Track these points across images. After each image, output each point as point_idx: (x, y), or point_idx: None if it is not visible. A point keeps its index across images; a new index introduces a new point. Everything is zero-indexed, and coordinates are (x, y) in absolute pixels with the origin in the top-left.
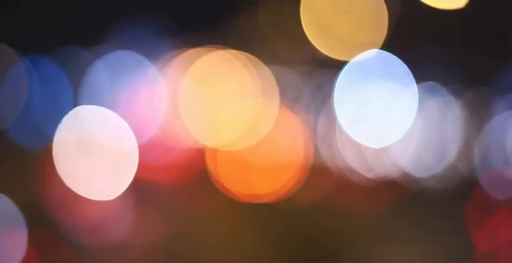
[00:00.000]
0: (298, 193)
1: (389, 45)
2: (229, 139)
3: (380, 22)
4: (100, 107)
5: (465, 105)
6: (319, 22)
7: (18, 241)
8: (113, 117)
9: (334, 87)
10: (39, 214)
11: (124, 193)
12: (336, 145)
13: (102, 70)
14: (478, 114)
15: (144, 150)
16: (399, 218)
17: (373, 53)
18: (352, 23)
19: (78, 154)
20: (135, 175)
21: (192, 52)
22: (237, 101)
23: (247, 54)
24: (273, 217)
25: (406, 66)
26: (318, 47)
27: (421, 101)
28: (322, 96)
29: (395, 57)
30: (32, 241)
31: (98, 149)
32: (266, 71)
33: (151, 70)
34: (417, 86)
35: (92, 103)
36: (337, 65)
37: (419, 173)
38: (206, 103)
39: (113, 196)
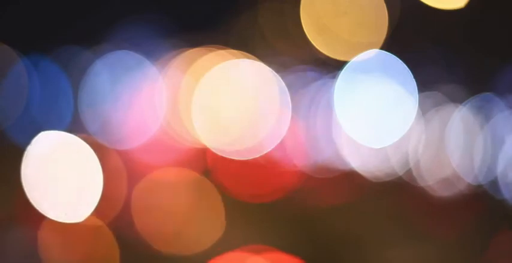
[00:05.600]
0: (298, 193)
1: (389, 45)
2: (229, 138)
3: (380, 22)
4: (64, 132)
5: (465, 105)
6: (319, 22)
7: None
8: (77, 142)
9: (334, 87)
10: (38, 214)
11: (126, 192)
12: (336, 145)
13: (102, 70)
14: (478, 114)
15: (144, 150)
16: (399, 219)
17: (373, 53)
18: (352, 23)
19: (45, 179)
20: (136, 175)
21: (192, 52)
22: (237, 101)
23: (248, 54)
24: (273, 217)
25: (406, 66)
26: (318, 47)
27: (420, 101)
28: (322, 96)
29: (395, 57)
30: (29, 240)
31: (63, 173)
32: (266, 71)
33: (151, 70)
34: (417, 86)
35: (92, 103)
36: (337, 65)
37: (419, 173)
38: (206, 103)
39: (80, 219)
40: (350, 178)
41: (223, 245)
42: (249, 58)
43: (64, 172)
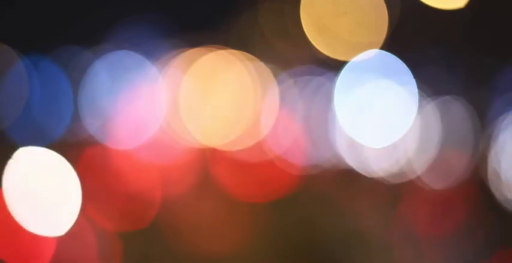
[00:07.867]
0: (297, 193)
1: (389, 45)
2: (229, 138)
3: (380, 22)
4: (43, 148)
5: (465, 105)
6: (319, 22)
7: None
8: (56, 158)
9: (334, 87)
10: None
11: (125, 192)
12: (336, 145)
13: (102, 70)
14: (478, 115)
15: (144, 150)
16: (400, 219)
17: (373, 53)
18: (352, 23)
19: (25, 194)
20: (135, 175)
21: (192, 52)
22: (237, 101)
23: (248, 54)
24: (273, 217)
25: (406, 66)
26: (318, 47)
27: (420, 101)
28: (322, 96)
29: (395, 57)
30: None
31: (43, 188)
32: (266, 71)
33: (151, 70)
34: (417, 86)
35: (92, 103)
36: (337, 65)
37: (420, 173)
38: (206, 103)
39: (61, 233)
40: (350, 178)
41: (222, 245)
42: (249, 58)
43: (43, 187)
